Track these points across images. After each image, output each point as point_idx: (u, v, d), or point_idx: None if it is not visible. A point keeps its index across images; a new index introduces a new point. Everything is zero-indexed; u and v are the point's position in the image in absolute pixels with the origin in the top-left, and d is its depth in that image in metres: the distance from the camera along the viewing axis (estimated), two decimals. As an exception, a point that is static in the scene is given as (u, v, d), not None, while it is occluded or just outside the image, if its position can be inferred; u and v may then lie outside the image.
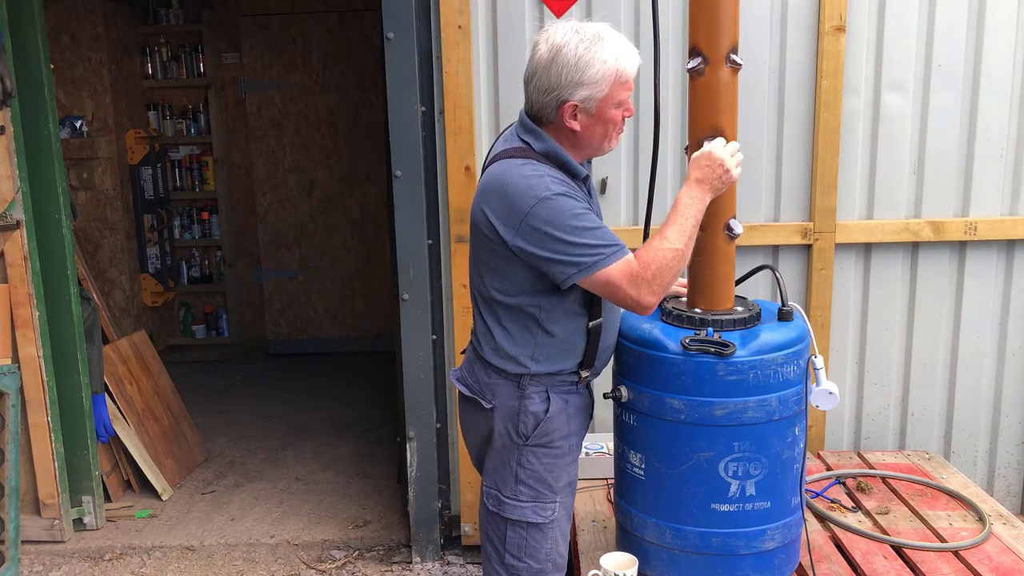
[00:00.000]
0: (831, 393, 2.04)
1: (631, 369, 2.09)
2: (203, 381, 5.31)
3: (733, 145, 1.95)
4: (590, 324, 1.97)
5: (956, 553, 2.33)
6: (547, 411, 1.98)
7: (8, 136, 3.12)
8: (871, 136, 2.96)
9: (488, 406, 2.02)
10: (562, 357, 1.98)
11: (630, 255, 1.83)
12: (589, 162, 2.09)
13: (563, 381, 2.00)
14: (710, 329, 2.00)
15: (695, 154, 1.95)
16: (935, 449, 3.17)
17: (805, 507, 2.18)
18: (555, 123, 1.89)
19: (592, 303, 1.96)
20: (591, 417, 2.17)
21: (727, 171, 1.91)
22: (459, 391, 2.11)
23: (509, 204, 1.83)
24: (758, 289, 2.93)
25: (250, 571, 3.26)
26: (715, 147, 1.92)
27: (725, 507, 2.01)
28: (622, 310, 2.10)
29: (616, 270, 1.81)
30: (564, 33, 1.84)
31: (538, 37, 1.89)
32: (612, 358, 2.15)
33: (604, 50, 1.82)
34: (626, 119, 1.93)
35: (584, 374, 2.02)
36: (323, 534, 3.45)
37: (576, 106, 1.85)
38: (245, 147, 5.77)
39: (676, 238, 1.84)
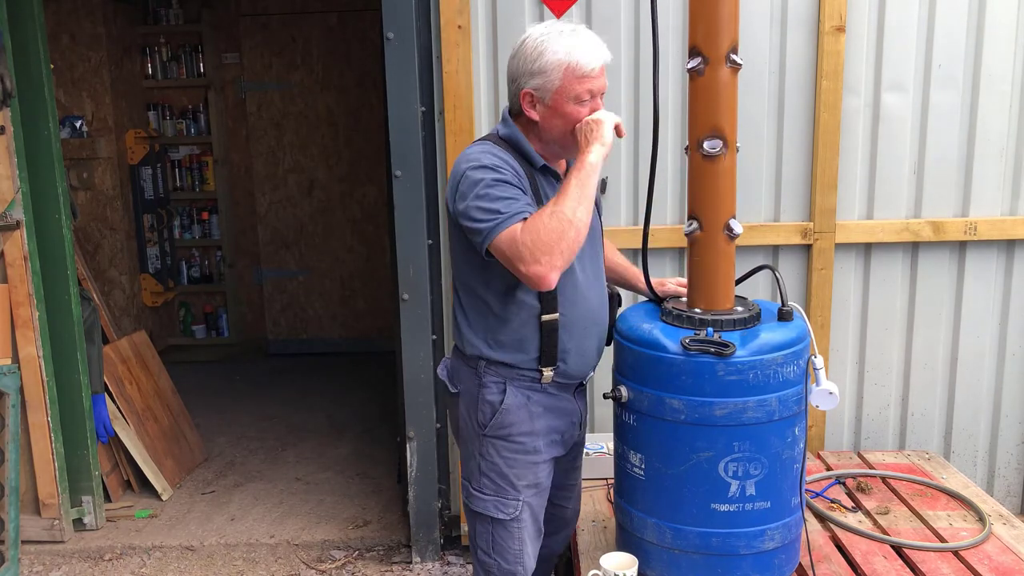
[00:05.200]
0: (831, 393, 2.04)
1: (631, 369, 2.09)
2: (203, 381, 5.31)
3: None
4: (543, 318, 1.99)
5: (956, 553, 2.33)
6: (502, 402, 2.02)
7: (8, 136, 3.12)
8: (871, 136, 2.96)
9: (454, 391, 2.11)
10: (516, 347, 2.01)
11: (538, 219, 1.82)
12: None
13: (523, 376, 2.03)
14: (710, 329, 2.00)
15: None
16: (935, 449, 3.17)
17: (805, 507, 2.18)
18: (522, 114, 1.98)
19: (543, 294, 1.97)
20: (578, 426, 2.18)
21: (599, 123, 1.90)
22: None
23: (454, 177, 1.96)
24: (758, 289, 2.93)
25: (250, 571, 3.25)
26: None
27: (725, 507, 2.01)
28: (599, 312, 2.10)
29: (504, 236, 1.82)
30: (537, 28, 1.95)
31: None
32: (589, 361, 2.12)
33: (559, 42, 1.89)
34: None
35: (546, 372, 2.02)
36: (323, 534, 3.45)
37: (531, 95, 1.93)
38: (245, 147, 5.76)
39: (563, 203, 1.82)
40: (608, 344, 2.24)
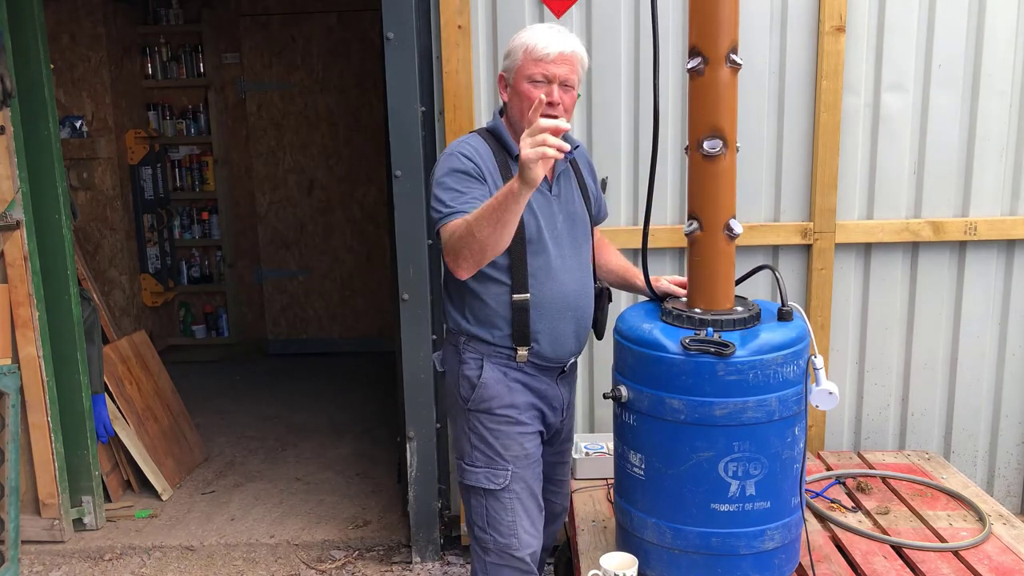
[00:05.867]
0: (831, 393, 2.04)
1: (631, 369, 2.08)
2: (203, 381, 5.31)
3: (541, 124, 1.75)
4: (513, 296, 2.07)
5: (956, 553, 2.33)
6: (480, 376, 2.11)
7: (8, 136, 3.12)
8: (871, 136, 2.96)
9: (441, 370, 2.25)
10: (491, 324, 2.10)
11: (458, 221, 1.95)
12: (569, 157, 2.13)
13: (499, 353, 2.11)
14: (710, 329, 1.99)
15: None
16: (935, 449, 3.17)
17: (805, 507, 2.18)
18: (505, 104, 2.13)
19: (513, 273, 2.06)
20: (561, 412, 2.22)
21: (534, 162, 1.73)
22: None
23: None
24: (758, 289, 2.93)
25: (250, 571, 3.25)
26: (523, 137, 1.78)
27: (725, 507, 2.01)
28: (575, 298, 2.15)
29: (440, 230, 2.01)
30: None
31: None
32: (565, 345, 2.15)
33: (527, 31, 2.07)
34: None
35: (520, 351, 2.10)
36: (323, 534, 3.45)
37: (504, 77, 2.11)
38: (245, 147, 5.77)
39: (473, 216, 1.91)
40: (599, 338, 2.30)
